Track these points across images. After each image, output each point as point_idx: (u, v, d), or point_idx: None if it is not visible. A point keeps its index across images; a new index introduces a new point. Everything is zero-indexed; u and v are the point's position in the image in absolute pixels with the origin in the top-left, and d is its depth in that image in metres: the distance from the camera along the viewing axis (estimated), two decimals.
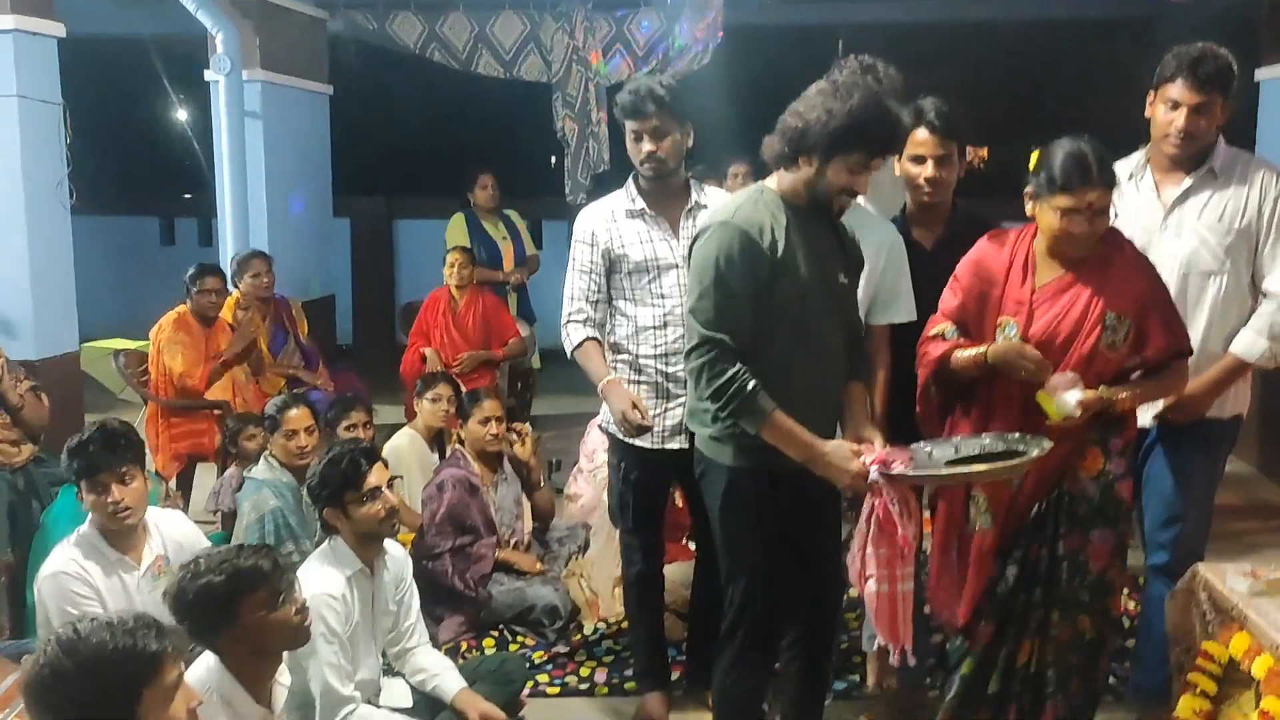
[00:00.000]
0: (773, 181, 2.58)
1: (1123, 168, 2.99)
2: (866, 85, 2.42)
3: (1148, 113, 2.98)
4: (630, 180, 3.19)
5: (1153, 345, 2.66)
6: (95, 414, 5.43)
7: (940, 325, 2.76)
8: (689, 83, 6.30)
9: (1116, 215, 2.80)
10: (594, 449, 4.45)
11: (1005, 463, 2.45)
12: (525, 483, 4.26)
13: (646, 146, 3.02)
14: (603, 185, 6.71)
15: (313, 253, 6.57)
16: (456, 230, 6.28)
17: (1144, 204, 3.00)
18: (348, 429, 4.09)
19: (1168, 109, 2.88)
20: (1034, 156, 2.70)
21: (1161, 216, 2.98)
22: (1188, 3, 6.60)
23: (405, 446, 4.43)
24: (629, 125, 3.05)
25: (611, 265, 3.14)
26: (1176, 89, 2.84)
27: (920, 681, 3.28)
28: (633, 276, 3.12)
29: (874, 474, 2.41)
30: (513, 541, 4.11)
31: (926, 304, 2.90)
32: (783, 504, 2.58)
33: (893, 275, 2.93)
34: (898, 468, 2.41)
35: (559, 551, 4.23)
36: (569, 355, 3.19)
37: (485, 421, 4.02)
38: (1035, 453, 2.44)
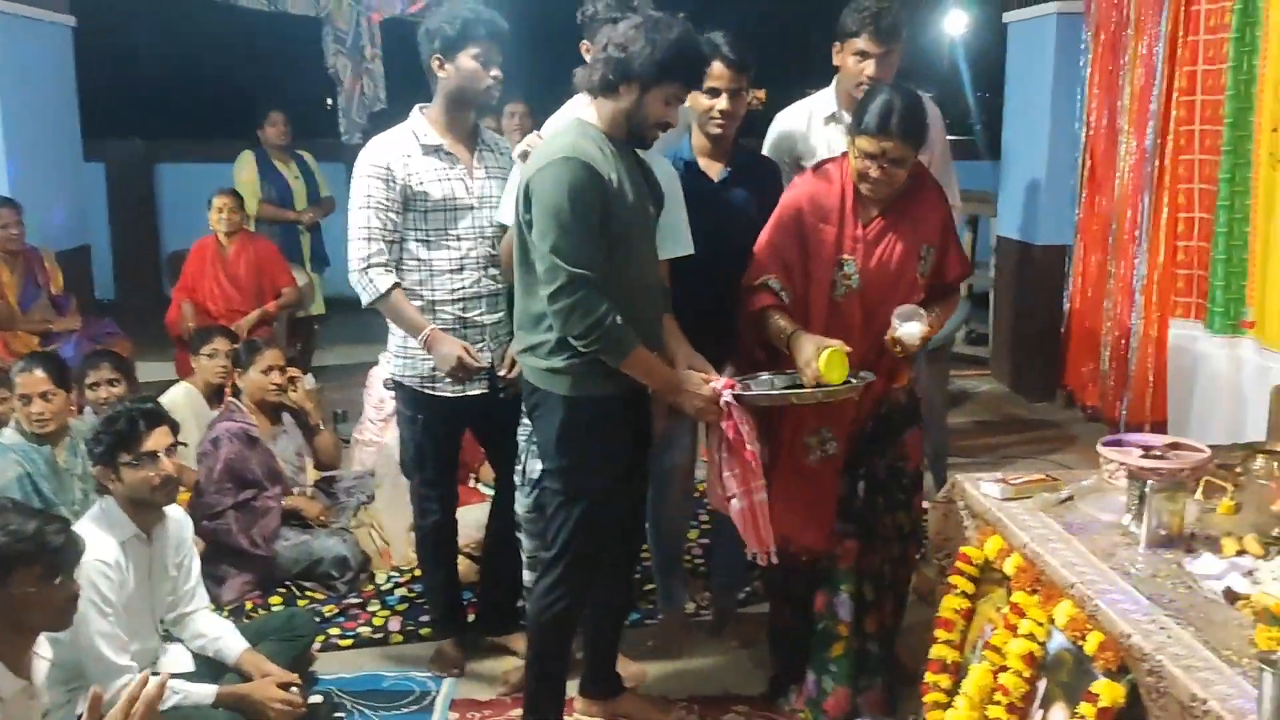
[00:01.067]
0: (590, 115, 2.63)
1: (817, 105, 3.37)
2: (680, 21, 2.56)
3: (836, 61, 3.31)
4: (418, 113, 3.05)
5: (951, 270, 2.96)
6: None
7: (764, 276, 2.84)
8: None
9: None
10: (381, 398, 4.34)
11: (837, 386, 2.64)
12: (306, 430, 4.11)
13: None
14: (380, 124, 6.47)
15: (63, 199, 6.04)
16: (245, 168, 5.99)
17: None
18: (92, 386, 3.81)
19: (858, 60, 3.20)
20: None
21: None
22: None
23: (180, 401, 4.18)
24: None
25: (405, 203, 2.98)
26: (863, 42, 3.18)
27: (732, 595, 3.58)
28: (429, 216, 3.00)
29: (726, 397, 2.61)
30: (295, 492, 3.97)
31: (714, 235, 2.97)
32: (617, 429, 2.69)
33: (674, 210, 2.94)
34: (748, 391, 2.65)
35: (347, 502, 4.12)
36: (367, 303, 3.01)
37: (267, 371, 3.86)
38: (863, 383, 2.69)
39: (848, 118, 3.18)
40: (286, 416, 4.01)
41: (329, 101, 6.92)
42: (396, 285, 2.98)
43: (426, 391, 3.09)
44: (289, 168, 6.14)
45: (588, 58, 2.96)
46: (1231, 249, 4.36)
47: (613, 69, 2.53)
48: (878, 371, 2.83)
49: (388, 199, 2.96)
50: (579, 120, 2.65)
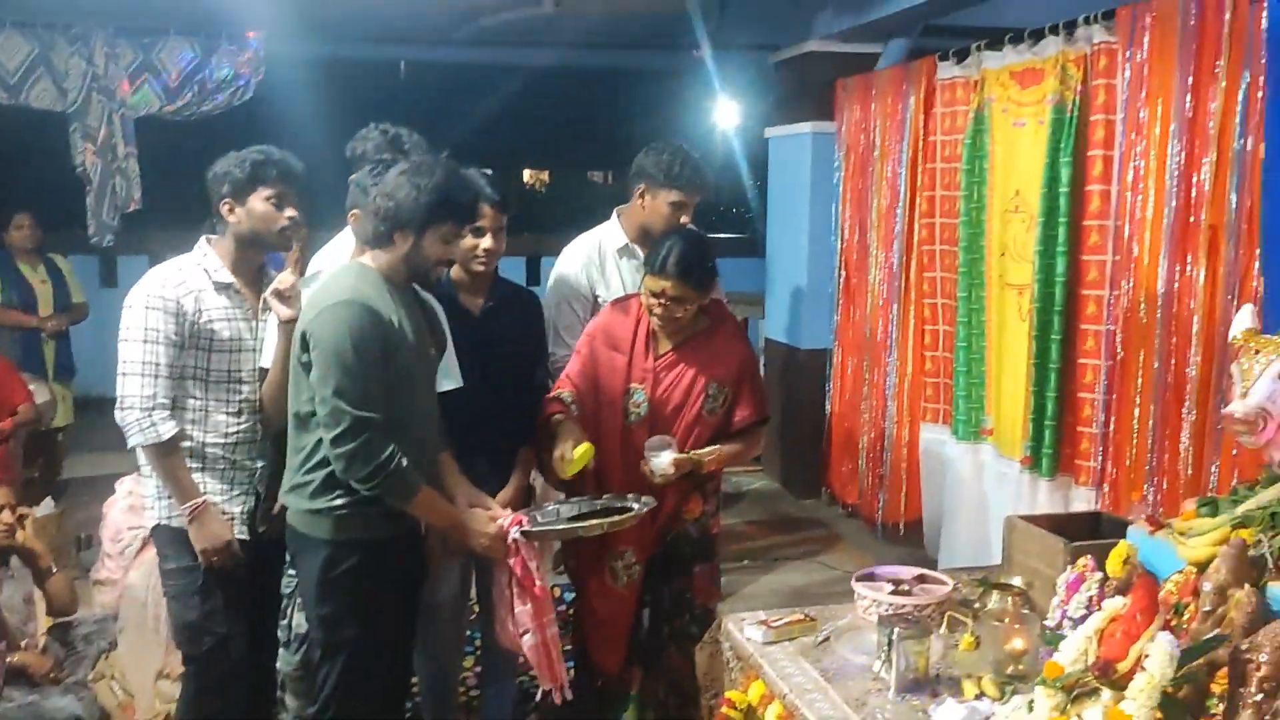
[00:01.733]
0: (368, 259, 2.63)
1: (606, 239, 3.57)
2: (444, 161, 2.65)
3: (638, 201, 3.51)
4: (207, 246, 2.89)
5: (740, 413, 3.11)
6: None
7: (562, 390, 3.04)
8: (230, 119, 5.98)
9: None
10: (118, 528, 4.04)
11: (621, 516, 2.77)
12: (36, 573, 3.77)
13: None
14: (136, 225, 6.17)
15: None
16: None
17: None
18: None
19: (674, 210, 3.42)
20: None
21: None
22: (705, 59, 7.31)
23: None
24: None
25: (189, 340, 2.80)
26: (679, 195, 3.42)
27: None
28: (214, 356, 2.84)
29: (514, 534, 2.65)
30: (24, 644, 3.62)
31: (478, 369, 3.02)
32: (386, 573, 2.63)
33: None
34: (535, 527, 2.71)
35: (85, 651, 3.78)
36: (140, 445, 2.78)
37: None
38: (644, 509, 2.80)
39: (639, 251, 3.46)
40: (14, 559, 3.67)
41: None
42: (178, 435, 2.78)
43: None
44: (36, 271, 5.73)
45: (350, 188, 2.96)
46: (971, 361, 4.72)
47: (384, 220, 2.56)
48: (666, 500, 2.98)
49: (174, 334, 2.78)
50: (358, 264, 2.64)
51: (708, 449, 3.02)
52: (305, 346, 2.52)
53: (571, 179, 22.38)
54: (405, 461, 2.52)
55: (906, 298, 5.21)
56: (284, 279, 2.82)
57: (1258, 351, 2.35)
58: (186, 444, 2.84)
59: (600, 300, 3.46)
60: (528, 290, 3.39)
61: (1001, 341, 4.53)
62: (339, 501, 2.56)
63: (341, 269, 2.68)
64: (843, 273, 5.86)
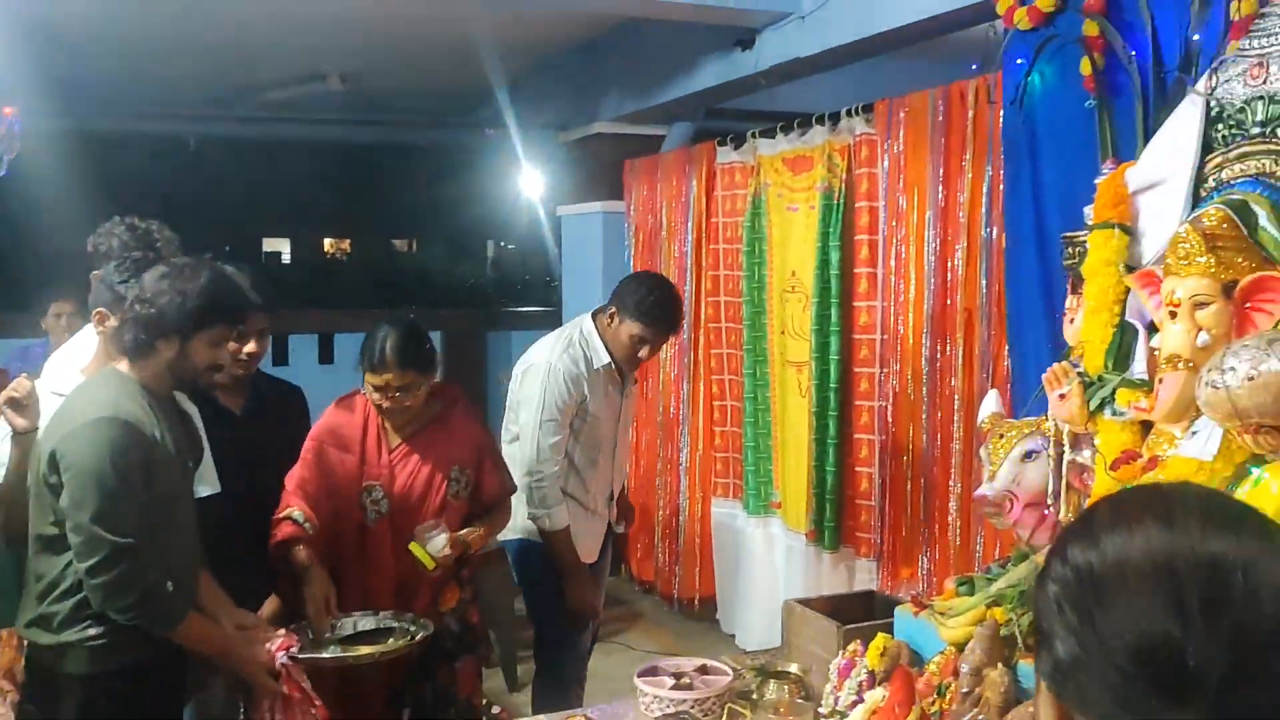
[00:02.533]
0: (124, 368, 2.44)
1: (595, 357, 3.39)
2: (206, 262, 2.50)
3: (608, 320, 3.40)
4: None
5: (487, 490, 3.08)
6: None
7: (291, 509, 2.85)
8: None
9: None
10: None
11: (396, 644, 2.70)
12: None
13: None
14: None
15: None
16: None
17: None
18: None
19: (632, 342, 3.34)
20: None
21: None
22: (499, 137, 7.37)
23: None
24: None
25: None
26: (639, 328, 3.32)
27: None
28: None
29: (282, 659, 2.50)
30: None
31: (243, 470, 2.89)
32: (150, 700, 2.44)
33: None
34: (303, 651, 2.56)
35: None
36: None
37: None
38: (423, 634, 2.73)
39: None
40: None
41: None
42: None
43: None
44: None
45: (94, 285, 2.77)
46: (758, 437, 4.84)
47: (145, 329, 2.38)
48: (420, 595, 2.90)
49: None
50: (116, 373, 2.44)
51: (471, 529, 3.00)
52: (54, 466, 2.31)
53: (373, 247, 22.11)
54: (168, 585, 2.35)
55: (696, 374, 5.32)
56: (20, 385, 2.60)
57: (1001, 435, 2.50)
58: None
59: (589, 409, 3.38)
60: (291, 385, 3.29)
61: (785, 417, 4.68)
62: (92, 631, 2.34)
63: (97, 379, 2.47)
64: None
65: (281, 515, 2.84)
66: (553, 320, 9.02)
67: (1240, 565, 0.78)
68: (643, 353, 3.34)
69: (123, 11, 5.38)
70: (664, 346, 3.61)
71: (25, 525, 2.52)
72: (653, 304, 3.28)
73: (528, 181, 9.35)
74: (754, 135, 4.75)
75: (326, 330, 8.05)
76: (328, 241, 22.84)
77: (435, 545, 2.84)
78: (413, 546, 2.83)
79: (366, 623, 2.81)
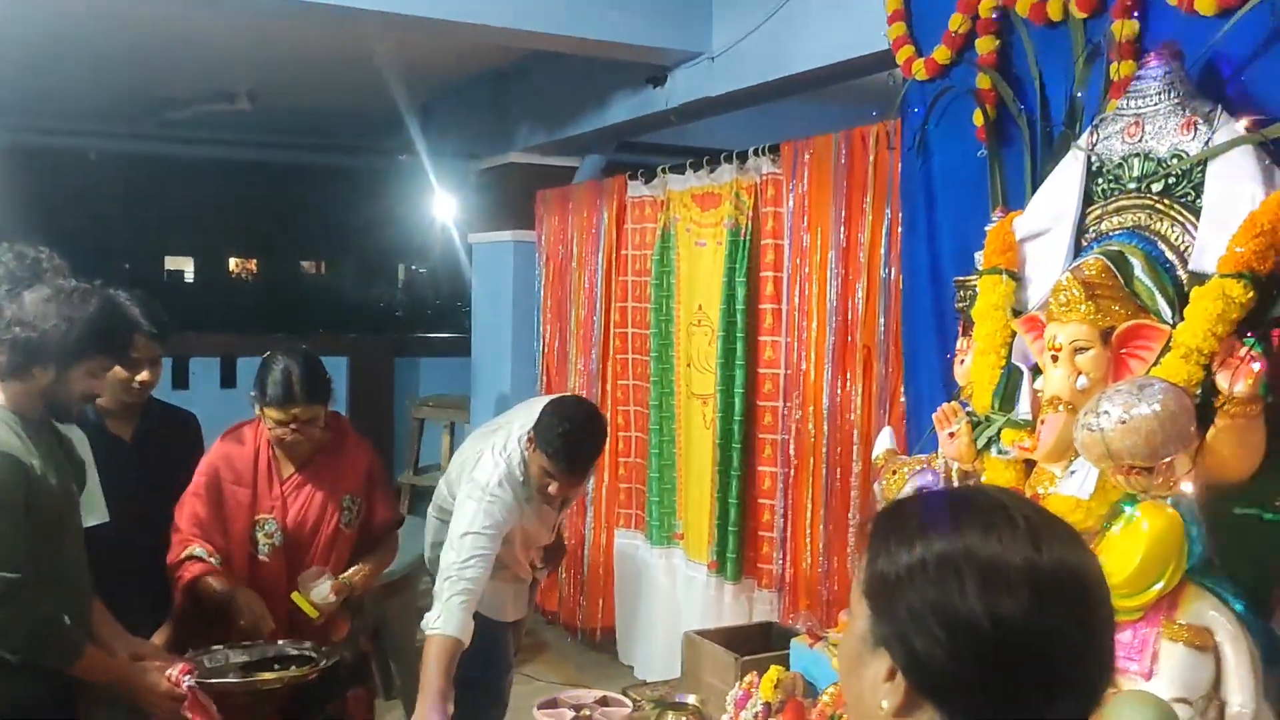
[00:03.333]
0: None
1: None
2: (97, 289, 2.41)
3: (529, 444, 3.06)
4: None
5: (379, 518, 3.07)
6: None
7: (190, 546, 2.82)
8: None
9: None
10: None
11: (301, 669, 2.68)
12: None
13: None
14: None
15: None
16: None
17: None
18: None
19: (542, 474, 3.02)
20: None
21: None
22: (412, 162, 7.35)
23: None
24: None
25: None
26: (548, 463, 2.98)
27: None
28: None
29: (188, 682, 2.45)
30: None
31: (133, 499, 2.84)
32: None
33: (89, 477, 2.73)
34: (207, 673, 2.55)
35: None
36: None
37: None
38: (327, 661, 2.72)
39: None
40: None
41: None
42: None
43: None
44: None
45: None
46: (663, 468, 4.88)
47: (22, 352, 2.29)
48: (310, 629, 2.88)
49: None
50: None
51: (356, 569, 2.98)
52: None
53: (281, 268, 21.67)
54: (63, 618, 2.28)
55: (603, 404, 5.34)
56: None
57: (895, 471, 2.57)
58: None
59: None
60: (184, 412, 3.22)
61: (690, 449, 4.72)
62: None
63: None
64: (544, 377, 5.94)
65: (184, 555, 2.80)
66: (463, 347, 8.99)
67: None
68: (551, 488, 3.03)
69: (16, 14, 5.24)
70: (580, 483, 3.23)
71: None
72: (562, 441, 2.95)
73: (441, 207, 9.33)
74: (664, 170, 4.82)
75: (229, 353, 7.87)
76: (233, 261, 22.34)
77: (319, 593, 2.83)
78: (295, 596, 2.81)
79: (256, 653, 2.76)
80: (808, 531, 3.98)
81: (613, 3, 4.16)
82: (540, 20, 4.11)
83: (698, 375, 4.65)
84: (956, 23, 2.88)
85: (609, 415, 5.30)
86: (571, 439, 2.94)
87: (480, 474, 3.05)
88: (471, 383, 6.65)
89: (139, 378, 2.88)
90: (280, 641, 2.81)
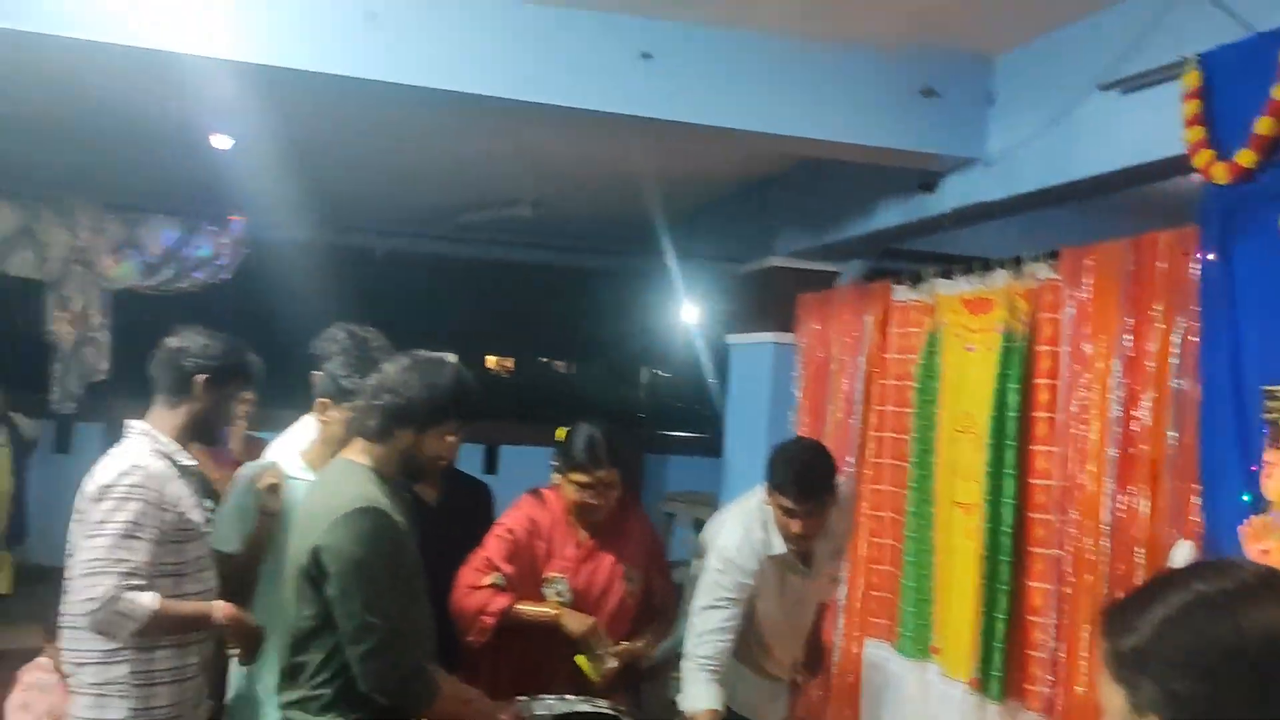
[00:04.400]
0: (358, 456, 2.57)
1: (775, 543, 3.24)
2: (446, 360, 2.66)
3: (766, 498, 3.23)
4: (153, 429, 2.82)
5: (658, 594, 3.23)
6: None
7: (492, 575, 3.04)
8: (206, 296, 6.09)
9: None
10: (25, 701, 3.94)
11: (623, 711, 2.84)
12: None
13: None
14: (95, 393, 6.17)
15: None
16: None
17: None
18: None
19: (783, 513, 3.19)
20: (560, 432, 3.04)
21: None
22: (664, 266, 7.63)
23: None
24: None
25: (165, 535, 2.68)
26: (788, 501, 3.15)
27: None
28: (185, 547, 2.75)
29: None
30: None
31: (428, 559, 2.92)
32: None
33: None
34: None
35: None
36: (131, 633, 2.63)
37: None
38: None
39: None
40: None
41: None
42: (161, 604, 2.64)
43: None
44: None
45: (320, 379, 3.02)
46: (920, 578, 4.75)
47: (391, 415, 2.53)
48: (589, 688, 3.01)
49: (158, 530, 2.66)
50: (351, 464, 2.58)
51: (637, 638, 3.13)
52: (316, 560, 2.42)
53: (534, 367, 22.76)
54: (427, 666, 2.49)
55: (857, 510, 5.28)
56: (276, 473, 2.84)
57: None
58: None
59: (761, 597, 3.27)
60: (479, 481, 3.45)
61: (950, 559, 4.58)
62: (354, 716, 2.45)
63: (338, 471, 2.61)
64: None
65: (484, 583, 3.01)
66: (709, 447, 9.12)
67: None
68: (794, 527, 3.08)
69: (339, 138, 5.89)
70: (819, 517, 3.24)
71: (248, 592, 2.71)
72: (791, 470, 3.05)
73: (689, 311, 9.59)
74: (932, 275, 4.81)
75: (491, 441, 8.36)
76: (492, 359, 23.66)
77: (602, 657, 2.96)
78: (579, 658, 2.95)
79: (562, 705, 2.88)
80: (1084, 653, 3.76)
81: (887, 110, 4.23)
82: (814, 127, 4.22)
83: (961, 483, 4.53)
84: (1265, 126, 2.78)
85: (863, 520, 5.24)
86: (800, 465, 3.10)
87: (721, 538, 3.17)
88: (722, 480, 6.73)
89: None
90: (574, 697, 2.92)
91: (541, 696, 2.87)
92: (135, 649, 2.67)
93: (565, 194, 7.14)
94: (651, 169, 6.24)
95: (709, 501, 7.07)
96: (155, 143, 5.87)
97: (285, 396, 3.34)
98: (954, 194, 4.53)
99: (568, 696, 2.89)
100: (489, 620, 3.02)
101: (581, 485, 3.04)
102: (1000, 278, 4.36)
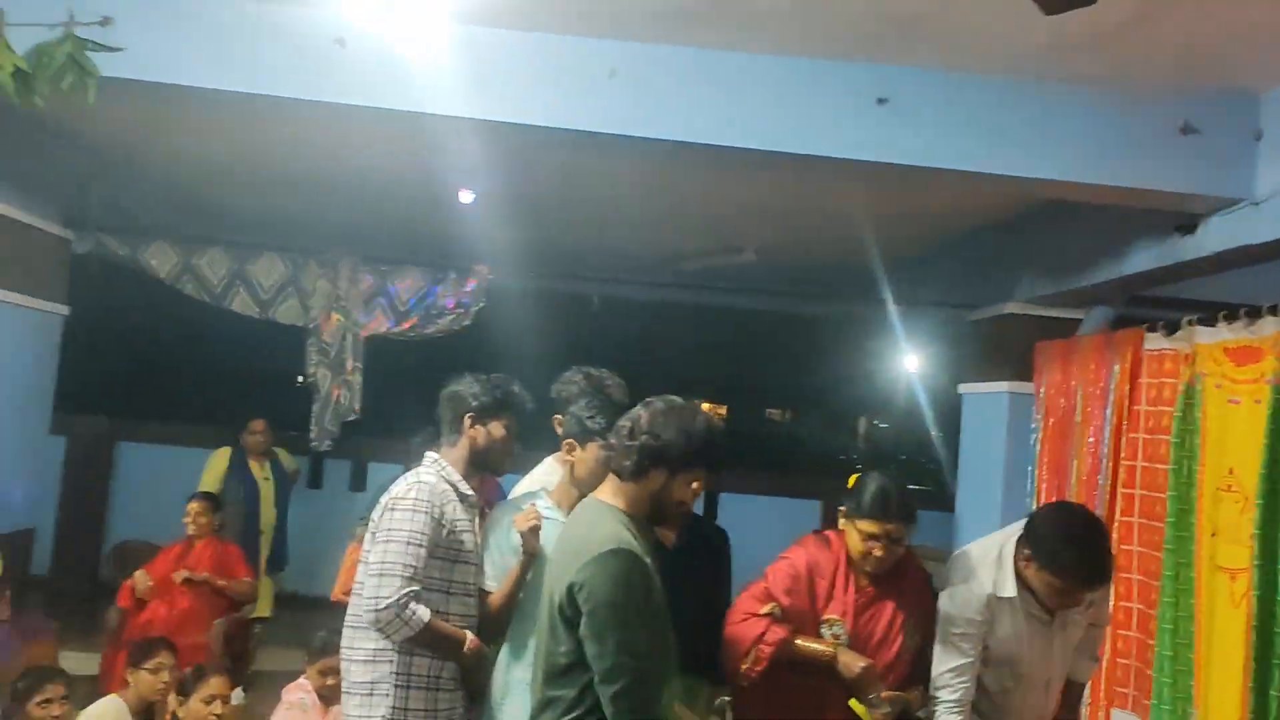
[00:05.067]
0: (609, 497, 2.65)
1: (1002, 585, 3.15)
2: (697, 408, 2.69)
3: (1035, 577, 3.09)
4: (441, 460, 3.07)
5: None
6: None
7: (770, 605, 3.07)
8: (451, 342, 6.43)
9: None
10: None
11: None
12: None
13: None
14: (351, 430, 6.60)
15: (18, 483, 5.98)
16: (217, 465, 6.24)
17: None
18: (42, 705, 3.67)
19: (1068, 600, 3.08)
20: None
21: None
22: (883, 313, 7.48)
23: (108, 718, 3.98)
24: None
25: (438, 550, 2.93)
26: (1065, 583, 3.01)
27: None
28: (456, 568, 2.98)
29: None
30: None
31: (673, 600, 3.00)
32: None
33: None
34: None
35: None
36: (400, 640, 2.88)
37: (210, 700, 3.76)
38: None
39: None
40: None
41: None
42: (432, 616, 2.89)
43: None
44: (262, 468, 6.29)
45: (558, 429, 3.12)
46: (1178, 647, 4.42)
47: (647, 456, 2.59)
48: None
49: (433, 542, 2.91)
50: (603, 505, 2.65)
51: (911, 690, 3.06)
52: (572, 599, 2.49)
53: (749, 415, 22.69)
54: (675, 705, 2.53)
55: None
56: (533, 513, 2.97)
57: None
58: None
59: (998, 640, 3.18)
60: (718, 527, 3.44)
61: (1212, 628, 4.24)
62: None
63: (591, 512, 2.67)
64: None
65: (763, 611, 3.03)
66: (933, 500, 8.81)
67: None
68: (1065, 600, 3.01)
69: (576, 189, 6.12)
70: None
71: (500, 628, 2.83)
72: (1071, 557, 2.89)
73: (912, 359, 9.32)
74: (1190, 322, 4.51)
75: (710, 489, 8.36)
76: (705, 406, 23.75)
77: (877, 705, 2.92)
78: (853, 703, 2.92)
79: None
80: None
81: (1143, 149, 4.02)
82: (1064, 170, 4.06)
83: (1225, 547, 4.20)
84: None
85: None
86: (1084, 547, 2.91)
87: (955, 575, 3.07)
88: (955, 534, 6.49)
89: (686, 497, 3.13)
90: None
91: None
92: (398, 651, 2.91)
93: (788, 239, 7.14)
94: (878, 213, 6.16)
95: (937, 557, 6.81)
96: (406, 199, 6.28)
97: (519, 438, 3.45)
98: (1217, 236, 4.25)
99: None
100: (766, 649, 3.01)
101: (868, 535, 3.02)
102: (1269, 325, 4.05)
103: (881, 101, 3.99)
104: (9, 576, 5.35)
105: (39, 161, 5.83)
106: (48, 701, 3.69)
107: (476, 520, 3.13)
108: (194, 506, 5.56)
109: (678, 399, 2.70)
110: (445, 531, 2.94)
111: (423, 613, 2.86)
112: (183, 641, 4.78)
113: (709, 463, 2.65)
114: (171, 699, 3.93)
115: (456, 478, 3.05)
